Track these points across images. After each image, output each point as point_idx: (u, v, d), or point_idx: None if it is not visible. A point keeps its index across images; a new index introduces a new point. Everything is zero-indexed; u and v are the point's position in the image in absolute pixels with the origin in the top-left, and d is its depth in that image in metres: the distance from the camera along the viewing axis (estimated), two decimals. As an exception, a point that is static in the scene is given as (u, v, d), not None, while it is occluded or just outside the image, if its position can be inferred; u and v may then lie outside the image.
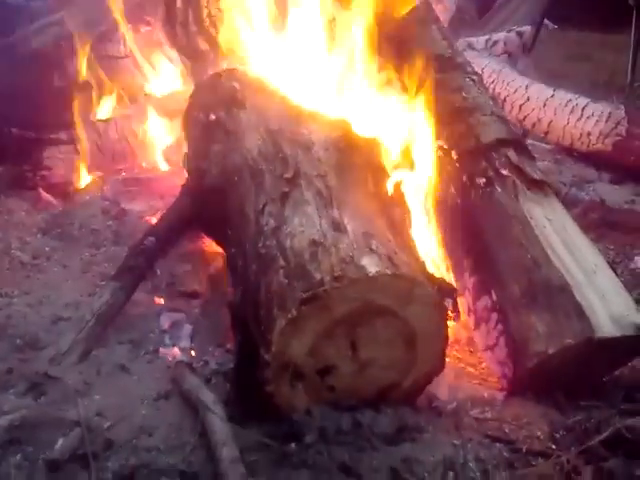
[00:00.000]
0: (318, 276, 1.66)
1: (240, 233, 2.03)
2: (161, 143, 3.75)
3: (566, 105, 4.00)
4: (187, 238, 2.67)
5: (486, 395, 1.96)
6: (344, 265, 1.68)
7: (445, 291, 1.83)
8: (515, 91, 4.18)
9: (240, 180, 2.12)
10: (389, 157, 2.40)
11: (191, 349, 2.16)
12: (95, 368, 2.00)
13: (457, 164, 2.24)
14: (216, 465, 1.54)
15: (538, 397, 1.88)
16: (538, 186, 2.19)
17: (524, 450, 1.69)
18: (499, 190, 2.15)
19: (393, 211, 2.08)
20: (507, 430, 1.78)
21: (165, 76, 4.05)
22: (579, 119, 3.93)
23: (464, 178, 2.20)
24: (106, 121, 3.74)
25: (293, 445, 1.63)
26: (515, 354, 1.91)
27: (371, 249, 1.74)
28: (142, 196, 3.38)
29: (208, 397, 1.75)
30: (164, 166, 3.67)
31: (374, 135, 2.35)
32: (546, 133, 4.11)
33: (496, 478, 1.61)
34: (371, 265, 1.68)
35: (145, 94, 4.03)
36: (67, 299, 2.41)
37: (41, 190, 3.35)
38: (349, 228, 1.81)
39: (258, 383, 1.68)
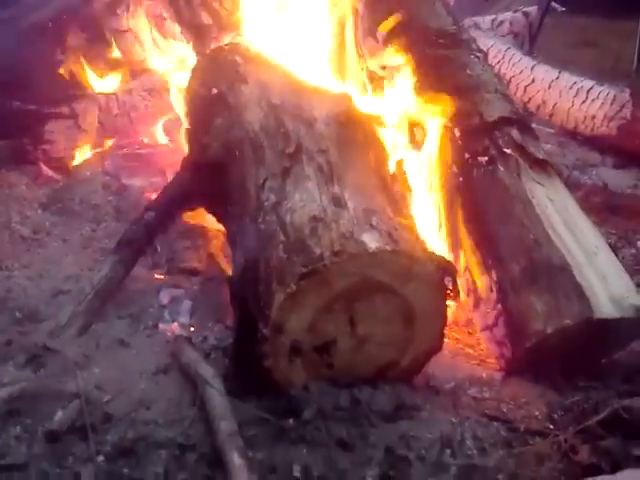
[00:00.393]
0: (318, 251, 1.66)
1: (240, 208, 2.02)
2: (162, 118, 3.72)
3: (571, 87, 3.96)
4: (187, 214, 2.65)
5: (484, 375, 1.96)
6: (344, 240, 1.68)
7: (445, 270, 1.82)
8: (520, 72, 4.13)
9: (241, 155, 2.10)
10: (391, 134, 2.39)
11: (190, 325, 2.15)
12: (94, 341, 2.00)
13: (459, 142, 2.23)
14: (214, 438, 1.55)
15: (536, 377, 1.89)
16: (541, 166, 2.18)
17: (522, 429, 1.70)
18: (501, 169, 2.13)
19: (394, 188, 2.07)
20: (505, 409, 1.78)
21: (167, 51, 4.01)
22: (584, 102, 3.89)
23: (466, 156, 2.19)
24: (108, 95, 3.70)
25: (291, 420, 1.65)
26: (514, 333, 1.91)
27: (371, 225, 1.74)
28: (143, 171, 3.36)
29: (207, 371, 1.75)
30: (165, 141, 3.64)
31: (376, 111, 2.34)
32: (550, 115, 4.07)
33: (493, 456, 1.61)
34: (371, 241, 1.68)
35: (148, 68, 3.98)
36: (67, 273, 2.41)
37: (42, 164, 3.33)
38: (350, 204, 1.81)
39: (256, 358, 1.68)
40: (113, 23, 4.01)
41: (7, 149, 3.39)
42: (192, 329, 2.13)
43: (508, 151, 2.16)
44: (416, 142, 2.39)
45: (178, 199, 2.41)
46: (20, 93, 3.42)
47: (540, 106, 4.08)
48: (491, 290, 1.99)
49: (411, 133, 2.40)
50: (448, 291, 1.80)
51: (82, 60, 3.79)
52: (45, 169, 3.34)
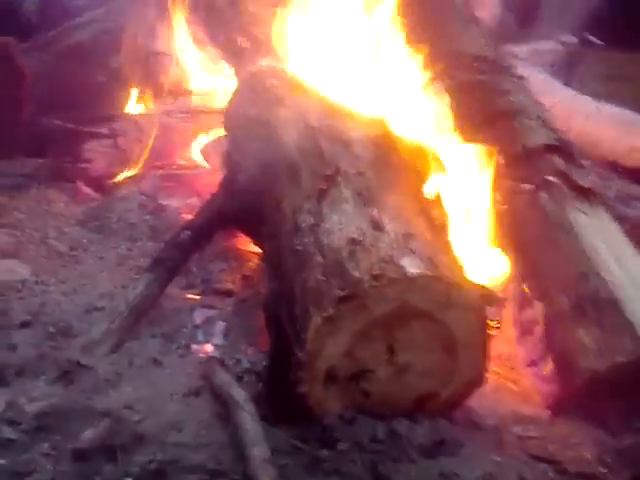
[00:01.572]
0: (356, 274, 1.62)
1: (276, 230, 2.00)
2: (201, 141, 3.74)
3: (611, 119, 3.87)
4: (223, 235, 2.65)
5: (529, 413, 1.88)
6: (383, 264, 1.63)
7: (487, 298, 1.76)
8: (559, 102, 4.06)
9: (277, 176, 2.09)
10: (428, 159, 2.35)
11: (224, 346, 2.12)
12: (127, 360, 1.98)
13: (502, 169, 2.18)
14: (246, 464, 1.50)
15: (586, 417, 1.80)
16: (585, 194, 2.12)
17: (572, 471, 1.61)
18: (545, 197, 2.09)
19: (432, 214, 2.02)
20: (552, 450, 1.69)
21: (207, 74, 4.05)
22: (625, 133, 3.79)
23: (510, 183, 2.14)
24: (148, 116, 3.74)
25: (325, 451, 1.59)
26: (562, 370, 1.83)
27: (411, 250, 1.69)
28: (180, 193, 3.35)
29: (239, 394, 1.71)
30: (203, 164, 3.65)
31: (413, 136, 2.31)
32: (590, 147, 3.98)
33: None
34: (411, 266, 1.63)
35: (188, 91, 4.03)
36: (102, 290, 2.39)
37: (80, 183, 3.35)
38: (389, 228, 1.77)
39: (291, 383, 1.64)
40: (154, 45, 4.09)
41: (47, 167, 3.42)
42: (225, 350, 2.09)
43: (552, 179, 2.11)
44: (444, 169, 2.34)
45: (214, 219, 2.39)
46: (60, 113, 3.48)
47: (578, 137, 3.99)
48: (537, 323, 1.93)
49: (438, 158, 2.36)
50: (490, 321, 1.74)
51: (123, 81, 3.86)
52: (83, 187, 3.37)
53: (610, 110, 3.89)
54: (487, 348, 1.73)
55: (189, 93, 4.03)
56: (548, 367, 1.89)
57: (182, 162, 3.72)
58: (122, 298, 2.16)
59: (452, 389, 1.74)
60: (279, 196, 2.03)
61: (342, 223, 1.78)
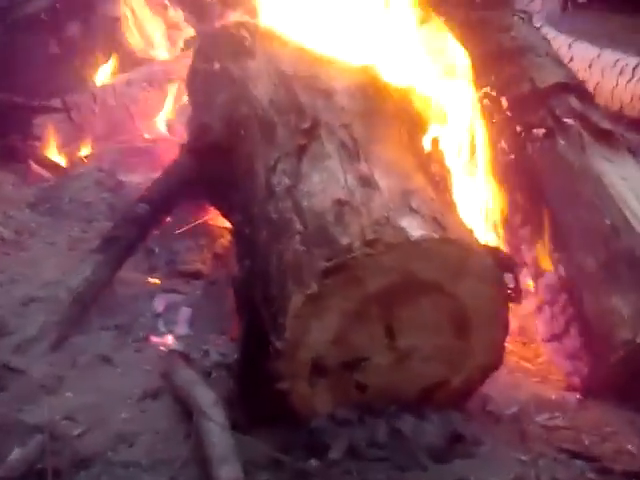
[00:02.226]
0: (345, 241, 1.35)
1: (248, 196, 1.75)
2: (165, 111, 3.43)
3: (614, 65, 3.60)
4: (188, 209, 2.38)
5: (553, 397, 1.64)
6: (378, 227, 1.37)
7: (503, 264, 1.47)
8: (557, 50, 3.78)
9: (247, 134, 1.85)
10: (426, 109, 2.05)
11: (189, 337, 1.85)
12: (70, 359, 1.70)
13: (508, 113, 1.91)
14: None
15: (622, 400, 1.56)
16: (607, 138, 1.86)
17: (615, 470, 1.36)
18: (562, 142, 1.83)
19: (431, 170, 1.74)
20: (587, 442, 1.46)
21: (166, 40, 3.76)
22: (629, 81, 3.53)
23: (518, 129, 1.88)
24: (104, 87, 3.42)
25: (313, 461, 1.33)
26: (593, 344, 1.58)
27: (412, 208, 1.43)
28: (142, 167, 3.08)
29: (206, 397, 1.42)
30: (167, 136, 3.35)
31: (406, 82, 2.02)
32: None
33: None
34: (413, 227, 1.36)
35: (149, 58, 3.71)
36: (46, 278, 2.10)
37: (32, 162, 3.08)
38: (382, 184, 1.51)
39: (268, 379, 1.37)
40: (109, 11, 3.78)
41: None
42: (191, 341, 1.80)
43: (569, 121, 1.83)
44: (442, 116, 2.05)
45: (176, 189, 2.10)
46: (8, 85, 3.17)
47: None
48: (559, 290, 1.65)
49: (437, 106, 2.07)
50: (509, 291, 1.45)
51: (76, 50, 3.54)
52: (35, 167, 3.09)
53: (613, 55, 3.61)
54: (507, 324, 1.46)
55: (150, 61, 3.72)
56: (573, 341, 1.64)
57: (145, 135, 3.44)
58: (64, 285, 1.83)
59: (464, 375, 1.49)
60: (250, 157, 1.79)
61: (324, 182, 1.53)
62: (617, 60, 3.63)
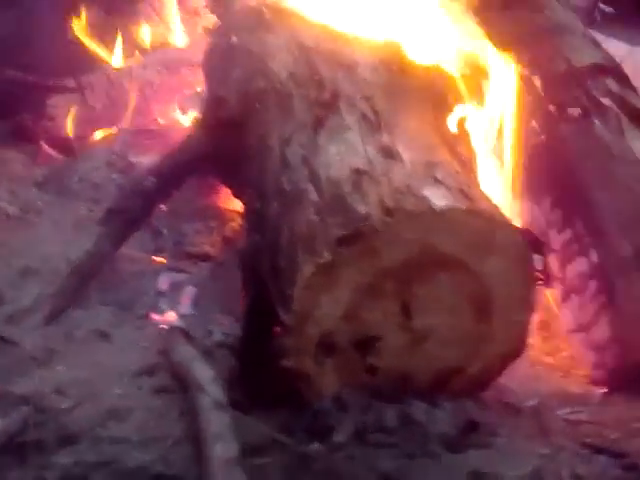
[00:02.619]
0: (363, 209, 1.25)
1: (261, 170, 1.66)
2: (179, 96, 3.37)
3: (643, 64, 3.47)
4: (199, 190, 2.29)
5: (576, 390, 1.55)
6: (399, 196, 1.26)
7: (533, 244, 1.37)
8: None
9: (263, 108, 1.76)
10: (453, 88, 1.95)
11: (192, 316, 1.76)
12: (65, 332, 1.61)
13: (542, 92, 1.79)
14: (204, 467, 1.09)
15: None
16: None
17: None
18: (598, 123, 1.71)
19: (457, 150, 1.64)
20: (612, 437, 1.35)
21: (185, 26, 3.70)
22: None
23: (551, 109, 1.76)
24: (119, 69, 3.35)
25: (317, 444, 1.22)
26: (624, 335, 1.47)
27: (436, 179, 1.32)
28: (154, 150, 2.97)
29: (204, 373, 1.31)
30: (182, 119, 3.27)
31: (434, 61, 1.93)
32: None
33: None
34: (437, 197, 1.26)
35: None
36: (47, 252, 2.01)
37: (43, 143, 3.01)
38: (404, 156, 1.40)
39: (273, 356, 1.27)
40: None
41: (4, 125, 3.06)
42: (193, 321, 1.71)
43: (606, 102, 1.71)
44: (479, 97, 1.95)
45: (187, 164, 2.00)
46: (21, 63, 3.13)
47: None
48: (589, 277, 1.54)
49: (474, 86, 1.96)
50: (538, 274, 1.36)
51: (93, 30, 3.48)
52: (46, 148, 3.02)
53: (643, 54, 3.48)
54: (532, 310, 1.36)
55: (168, 45, 3.66)
56: (602, 332, 1.53)
57: (159, 120, 3.37)
58: (63, 257, 1.75)
59: (483, 363, 1.38)
60: (266, 131, 1.70)
61: (342, 154, 1.44)
62: (647, 58, 3.51)
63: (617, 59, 3.53)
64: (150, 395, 1.36)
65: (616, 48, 3.61)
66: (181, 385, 1.34)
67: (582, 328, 1.58)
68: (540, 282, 1.39)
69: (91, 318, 1.68)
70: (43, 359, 1.47)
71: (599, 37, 3.79)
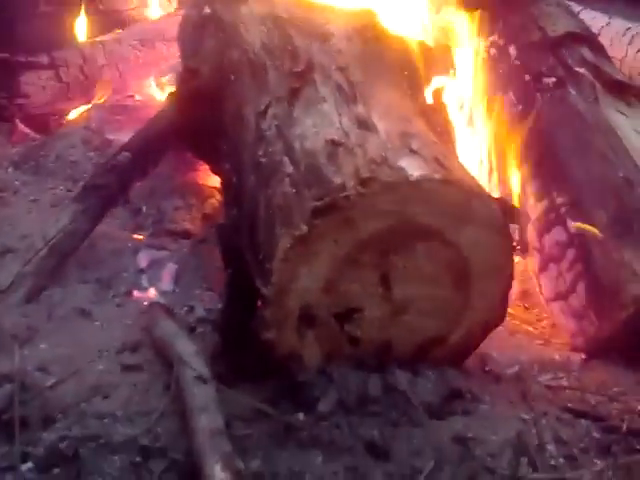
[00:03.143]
0: (338, 180, 1.25)
1: (236, 143, 1.64)
2: (155, 71, 3.31)
3: (624, 34, 3.45)
4: (176, 166, 2.26)
5: (557, 357, 1.56)
6: (374, 166, 1.26)
7: (509, 214, 1.37)
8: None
9: (237, 79, 1.74)
10: (428, 58, 1.94)
11: (174, 293, 1.75)
12: (46, 311, 1.60)
13: (517, 61, 1.78)
14: (191, 439, 1.10)
15: (630, 360, 1.47)
16: (621, 90, 1.75)
17: (621, 429, 1.27)
18: (573, 92, 1.73)
19: (434, 120, 1.63)
20: (593, 402, 1.37)
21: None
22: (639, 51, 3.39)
23: (527, 78, 1.75)
24: (93, 44, 3.28)
25: (301, 415, 1.23)
26: (601, 301, 1.49)
27: (411, 149, 1.32)
28: (130, 126, 2.92)
29: (187, 348, 1.31)
30: (157, 96, 3.22)
31: (408, 31, 1.92)
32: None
33: (588, 467, 1.16)
34: (412, 167, 1.25)
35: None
36: (24, 231, 1.98)
37: (17, 121, 2.95)
38: (380, 126, 1.40)
39: (254, 329, 1.27)
40: None
41: None
42: (175, 298, 1.70)
43: (581, 71, 1.72)
44: (450, 67, 1.94)
45: (161, 137, 1.97)
46: None
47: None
48: (567, 245, 1.55)
49: (445, 56, 1.95)
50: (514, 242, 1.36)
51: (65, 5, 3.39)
52: (21, 126, 2.96)
53: (623, 24, 3.47)
54: (511, 277, 1.36)
55: (144, 20, 3.59)
56: (580, 299, 1.55)
57: (135, 95, 3.31)
58: (40, 235, 1.73)
59: (463, 331, 1.39)
60: (240, 103, 1.68)
61: (318, 126, 1.42)
62: (627, 29, 3.49)
63: (595, 30, 3.55)
64: (134, 371, 1.36)
65: (594, 19, 3.61)
66: (164, 360, 1.35)
67: (560, 296, 1.59)
68: (517, 250, 1.40)
69: (71, 296, 1.67)
70: (25, 337, 1.46)
71: (577, 8, 3.81)
